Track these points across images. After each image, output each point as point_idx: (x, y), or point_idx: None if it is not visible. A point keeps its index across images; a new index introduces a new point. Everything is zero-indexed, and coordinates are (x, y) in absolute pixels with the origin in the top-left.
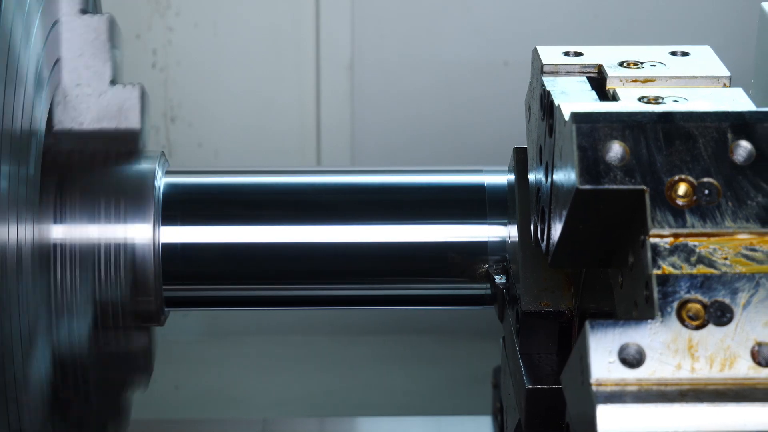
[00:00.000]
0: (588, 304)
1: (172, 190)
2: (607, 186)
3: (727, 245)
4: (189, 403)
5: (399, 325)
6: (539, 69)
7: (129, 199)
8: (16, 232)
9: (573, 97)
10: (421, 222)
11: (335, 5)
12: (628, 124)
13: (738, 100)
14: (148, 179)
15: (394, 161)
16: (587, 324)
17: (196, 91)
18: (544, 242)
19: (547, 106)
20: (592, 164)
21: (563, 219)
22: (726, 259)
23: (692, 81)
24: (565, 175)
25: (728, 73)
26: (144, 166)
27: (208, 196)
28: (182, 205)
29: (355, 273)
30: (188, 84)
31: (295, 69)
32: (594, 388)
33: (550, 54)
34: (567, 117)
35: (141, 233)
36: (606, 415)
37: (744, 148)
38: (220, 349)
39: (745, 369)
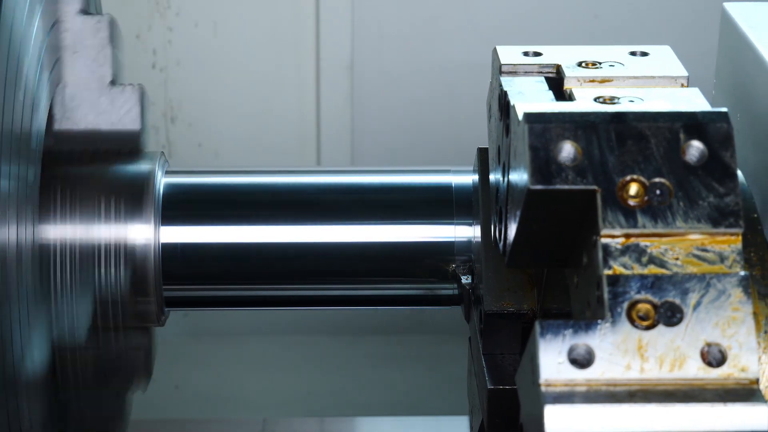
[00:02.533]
0: (550, 305)
1: (172, 190)
2: (558, 186)
3: (679, 245)
4: (189, 403)
5: (399, 325)
6: (498, 69)
7: (129, 199)
8: (16, 232)
9: (529, 97)
10: (387, 222)
11: (335, 6)
12: (580, 125)
13: (693, 100)
14: (148, 179)
15: (393, 161)
16: (537, 325)
17: (196, 91)
18: (502, 242)
19: (504, 106)
20: (543, 164)
21: (518, 219)
22: (677, 259)
23: (650, 81)
24: (519, 176)
25: (686, 74)
26: (144, 166)
27: (208, 196)
28: (182, 205)
29: (328, 273)
30: (188, 84)
31: (295, 69)
32: (543, 388)
33: (509, 54)
34: (521, 117)
35: (141, 233)
36: (554, 415)
37: (696, 148)
38: (220, 349)
39: (694, 369)
